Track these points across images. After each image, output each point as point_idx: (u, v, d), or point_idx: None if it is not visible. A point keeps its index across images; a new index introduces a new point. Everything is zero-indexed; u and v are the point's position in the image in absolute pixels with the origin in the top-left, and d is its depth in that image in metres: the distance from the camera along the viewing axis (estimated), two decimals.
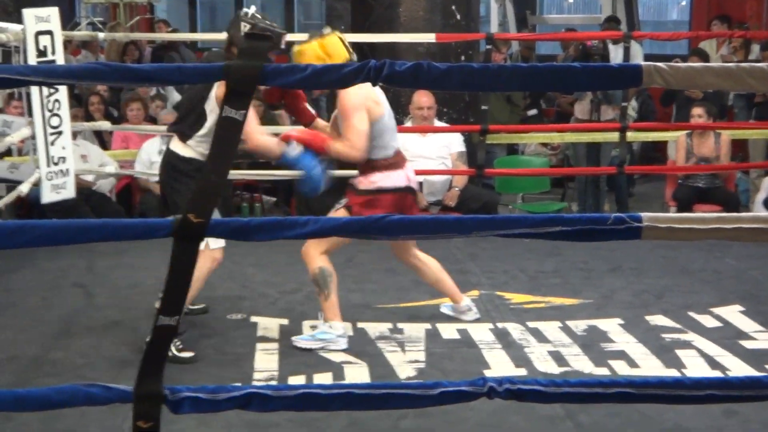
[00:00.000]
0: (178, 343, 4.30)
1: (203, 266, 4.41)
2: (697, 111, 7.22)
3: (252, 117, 4.28)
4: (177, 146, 4.44)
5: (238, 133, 2.25)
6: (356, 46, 7.43)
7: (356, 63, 2.28)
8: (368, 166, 4.52)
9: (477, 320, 4.93)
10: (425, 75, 2.28)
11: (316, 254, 4.50)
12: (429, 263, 4.89)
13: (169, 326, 2.31)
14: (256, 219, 2.34)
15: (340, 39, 4.41)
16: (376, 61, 2.28)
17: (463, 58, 7.47)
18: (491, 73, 2.33)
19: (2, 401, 2.34)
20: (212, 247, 4.45)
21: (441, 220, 2.31)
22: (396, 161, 4.58)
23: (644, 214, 2.35)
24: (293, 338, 4.58)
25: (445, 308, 5.03)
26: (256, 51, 2.25)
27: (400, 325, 4.87)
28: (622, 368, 4.29)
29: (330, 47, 4.35)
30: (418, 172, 6.80)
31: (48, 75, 2.26)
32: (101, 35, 7.69)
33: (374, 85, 2.30)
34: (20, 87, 5.48)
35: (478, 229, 2.33)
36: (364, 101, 4.42)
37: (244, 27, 4.34)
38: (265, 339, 4.68)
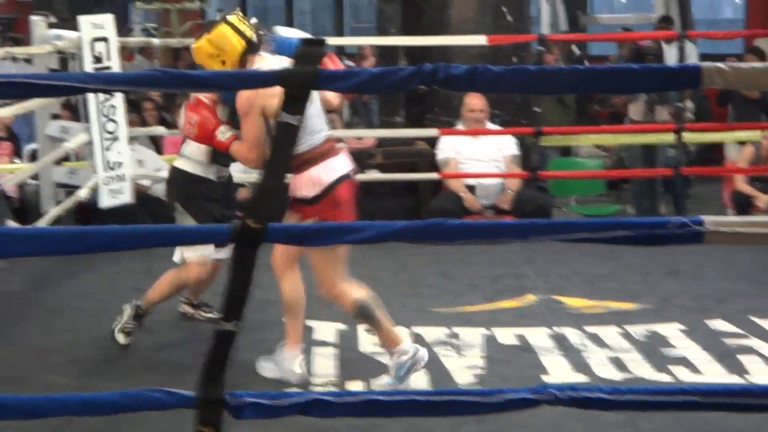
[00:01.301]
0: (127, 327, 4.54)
1: (181, 275, 4.54)
2: None
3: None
4: None
5: (294, 137, 2.26)
6: (407, 49, 7.49)
7: (412, 67, 2.27)
8: (301, 161, 3.91)
9: (534, 324, 4.88)
10: (481, 78, 2.26)
11: (337, 286, 4.06)
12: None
13: (230, 332, 2.32)
14: (314, 224, 2.34)
15: (233, 25, 4.00)
16: (432, 65, 2.26)
17: (514, 59, 7.42)
18: (548, 76, 2.31)
19: (69, 405, 2.37)
20: (190, 257, 4.51)
21: (500, 224, 2.29)
22: (331, 146, 4.11)
23: (706, 218, 2.31)
24: (382, 379, 4.12)
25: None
26: (312, 56, 2.25)
27: (456, 330, 4.84)
28: (683, 374, 4.23)
29: (219, 41, 3.98)
30: (472, 175, 6.81)
31: (108, 83, 2.28)
32: (156, 41, 7.76)
33: (429, 88, 2.29)
34: (79, 94, 5.53)
35: (538, 233, 2.31)
36: (255, 102, 3.86)
37: None
38: (322, 343, 4.67)
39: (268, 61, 4.05)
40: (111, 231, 2.21)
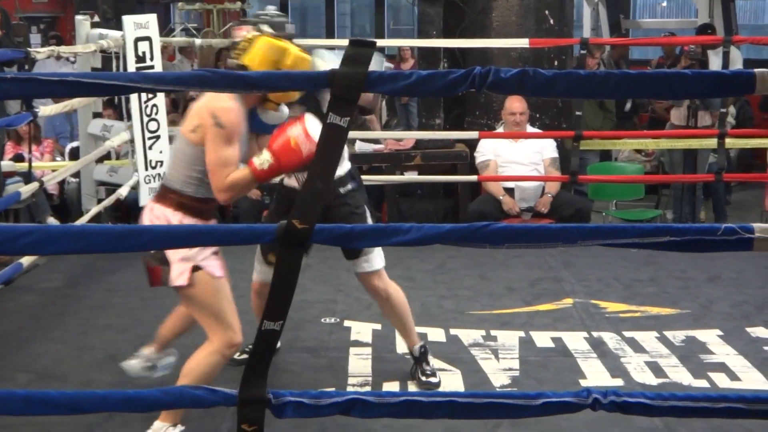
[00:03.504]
0: (427, 369, 4.21)
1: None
2: None
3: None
4: None
5: (342, 139, 2.27)
6: (448, 51, 7.49)
7: (461, 70, 2.27)
8: None
9: (571, 328, 4.87)
10: (531, 82, 2.26)
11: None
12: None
13: (273, 331, 2.33)
14: (359, 226, 2.35)
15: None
16: (482, 68, 2.26)
17: (556, 63, 7.40)
18: (598, 80, 2.29)
19: (112, 401, 2.39)
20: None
21: (547, 228, 2.28)
22: None
23: (756, 225, 2.29)
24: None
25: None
26: (361, 58, 2.26)
27: (493, 332, 4.83)
28: (722, 381, 4.20)
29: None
30: (511, 178, 6.79)
31: (157, 82, 2.29)
32: (198, 41, 7.82)
33: (479, 91, 2.29)
34: (130, 93, 5.57)
35: (584, 238, 2.30)
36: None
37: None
38: (358, 344, 4.69)
39: None
40: (160, 229, 2.23)
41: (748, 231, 2.28)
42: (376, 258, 4.12)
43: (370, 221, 4.11)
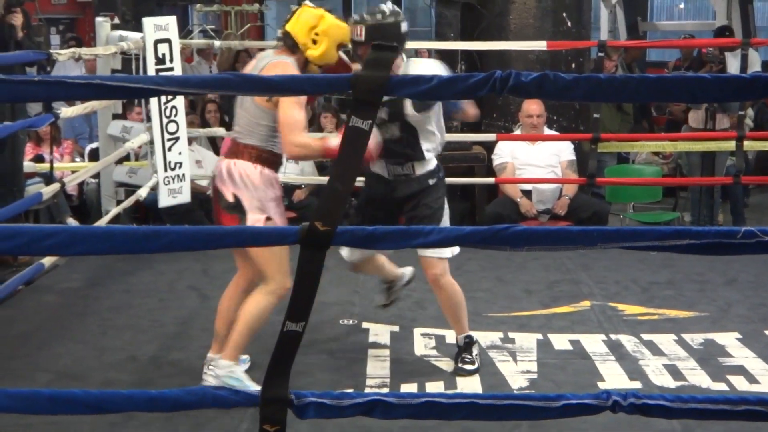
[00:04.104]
0: (466, 357, 4.35)
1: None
2: None
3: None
4: None
5: (364, 142, 2.28)
6: (466, 54, 7.50)
7: (482, 73, 2.28)
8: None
9: (589, 331, 4.87)
10: (551, 86, 2.27)
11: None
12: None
13: (295, 332, 2.35)
14: (381, 228, 2.36)
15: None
16: (502, 72, 2.28)
17: (573, 65, 7.40)
18: (618, 85, 2.31)
19: (135, 401, 2.42)
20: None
21: (568, 231, 2.29)
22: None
23: None
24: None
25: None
26: (382, 61, 2.28)
27: (511, 335, 4.84)
28: (741, 384, 4.19)
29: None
30: (528, 181, 6.80)
31: (182, 85, 2.32)
32: (217, 43, 7.85)
33: (499, 95, 2.31)
34: (155, 96, 5.55)
35: (604, 240, 2.31)
36: None
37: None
38: (376, 345, 4.71)
39: None
40: (184, 231, 2.25)
41: (767, 234, 2.28)
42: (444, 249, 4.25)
43: (446, 221, 4.34)
